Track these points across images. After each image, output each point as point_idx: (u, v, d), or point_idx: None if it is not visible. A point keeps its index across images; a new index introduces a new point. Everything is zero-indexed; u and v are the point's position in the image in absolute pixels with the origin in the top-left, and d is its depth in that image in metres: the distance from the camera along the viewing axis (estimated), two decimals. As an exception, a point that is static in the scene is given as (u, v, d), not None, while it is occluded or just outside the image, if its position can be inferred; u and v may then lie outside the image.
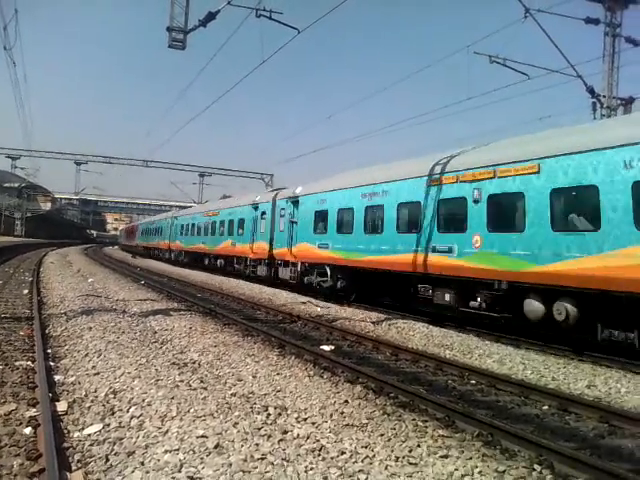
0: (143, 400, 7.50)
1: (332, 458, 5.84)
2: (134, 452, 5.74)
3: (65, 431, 6.38)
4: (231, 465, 5.47)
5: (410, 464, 5.80)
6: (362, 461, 5.80)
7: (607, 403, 8.82)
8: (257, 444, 6.11)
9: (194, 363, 10.04)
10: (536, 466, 5.96)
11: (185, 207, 66.85)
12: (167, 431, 6.37)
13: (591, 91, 22.46)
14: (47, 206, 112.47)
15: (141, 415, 6.91)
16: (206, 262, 40.44)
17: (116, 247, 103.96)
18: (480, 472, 5.69)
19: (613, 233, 11.13)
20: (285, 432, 6.56)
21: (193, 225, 44.62)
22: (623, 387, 9.74)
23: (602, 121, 19.61)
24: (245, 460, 5.63)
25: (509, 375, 10.42)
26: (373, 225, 19.42)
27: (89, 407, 7.23)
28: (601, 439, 7.25)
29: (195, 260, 43.63)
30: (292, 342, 12.46)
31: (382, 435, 6.66)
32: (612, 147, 11.42)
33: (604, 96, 23.14)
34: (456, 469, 5.71)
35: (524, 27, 20.07)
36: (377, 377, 9.51)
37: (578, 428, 7.66)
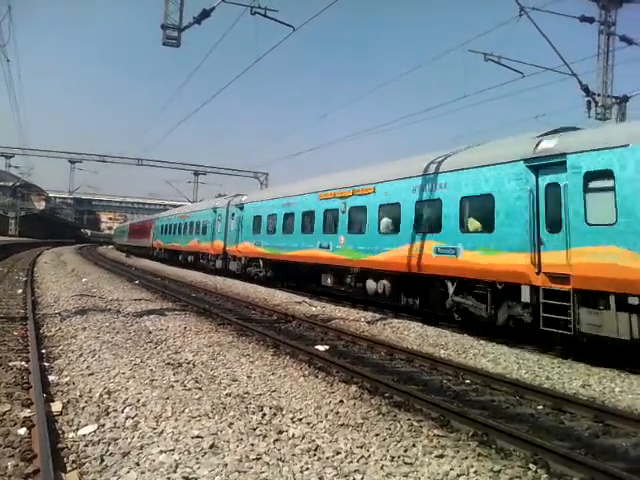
0: (138, 400, 7.49)
1: (327, 458, 5.85)
2: (129, 453, 5.73)
3: (60, 432, 6.38)
4: (226, 465, 5.48)
5: (405, 464, 5.81)
6: (357, 461, 5.81)
7: (601, 402, 8.84)
8: (252, 444, 6.11)
9: (189, 363, 10.02)
10: (531, 465, 5.99)
11: (179, 206, 65.02)
12: (162, 431, 6.37)
13: (586, 89, 22.54)
14: (41, 205, 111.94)
15: (136, 415, 6.90)
16: (326, 282, 22.32)
17: (110, 247, 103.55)
18: (475, 472, 5.70)
19: None
20: (280, 432, 6.56)
21: (288, 216, 24.99)
22: (617, 386, 9.77)
23: None
24: (240, 460, 5.64)
25: (504, 374, 10.43)
26: None
27: (84, 407, 7.22)
28: (596, 438, 7.28)
29: (299, 279, 26.15)
30: (287, 342, 12.44)
31: (377, 435, 6.66)
32: None
33: (599, 94, 23.23)
34: (451, 469, 5.72)
35: (519, 25, 20.08)
36: (372, 377, 9.52)
37: (573, 427, 7.68)
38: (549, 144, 12.86)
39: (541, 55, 24.72)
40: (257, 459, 5.69)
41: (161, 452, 5.74)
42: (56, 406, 7.22)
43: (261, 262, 28.27)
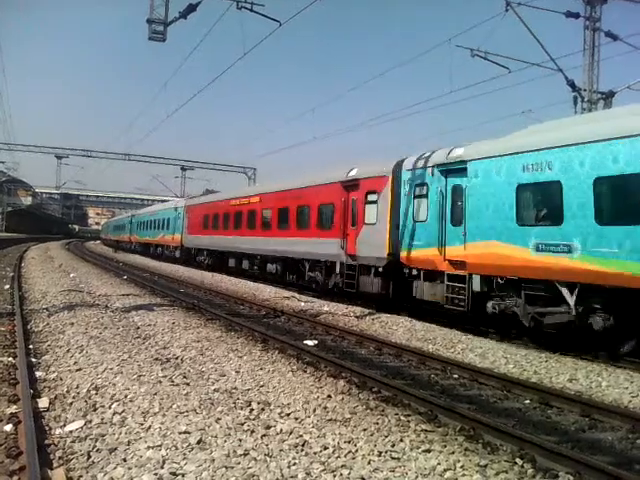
0: (125, 396, 7.47)
1: (315, 453, 5.85)
2: (116, 448, 5.71)
3: (46, 428, 6.35)
4: (214, 461, 5.47)
5: (393, 459, 5.82)
6: (345, 456, 5.81)
7: (588, 397, 8.89)
8: (240, 439, 6.10)
9: (177, 359, 10.00)
10: (518, 460, 6.01)
11: (168, 201, 62.95)
12: (149, 427, 6.36)
13: (572, 85, 22.62)
14: (28, 200, 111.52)
15: (123, 411, 6.88)
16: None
17: (98, 242, 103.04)
18: (462, 466, 5.72)
19: None
20: (268, 427, 6.56)
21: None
22: (604, 381, 9.82)
23: None
24: (228, 456, 5.63)
25: (491, 369, 10.48)
26: None
27: (71, 403, 7.19)
28: (582, 433, 7.32)
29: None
30: (275, 337, 12.44)
31: (365, 430, 6.67)
32: None
33: (585, 90, 23.31)
34: (439, 463, 5.73)
35: (505, 20, 20.12)
36: (360, 372, 9.53)
37: (560, 422, 7.72)
38: None
39: (528, 50, 24.79)
40: (245, 454, 5.69)
41: (148, 448, 5.72)
42: (43, 402, 7.19)
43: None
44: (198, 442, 5.93)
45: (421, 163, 16.61)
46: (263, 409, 7.27)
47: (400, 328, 14.65)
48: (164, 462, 5.39)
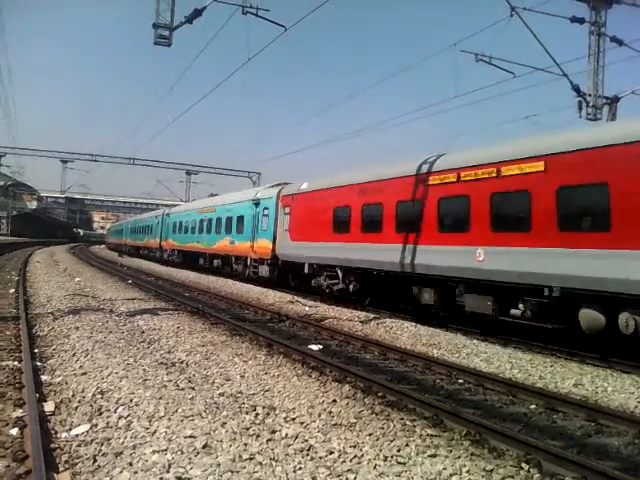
0: (131, 400, 7.47)
1: (320, 458, 5.84)
2: (122, 453, 5.71)
3: (52, 432, 6.34)
4: (220, 465, 5.47)
5: (398, 463, 5.81)
6: (350, 461, 5.80)
7: (594, 402, 8.87)
8: (245, 444, 6.10)
9: (182, 363, 10.00)
10: (524, 465, 5.99)
11: (173, 205, 62.53)
12: (155, 431, 6.36)
13: (577, 90, 22.62)
14: (33, 204, 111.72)
15: (129, 415, 6.88)
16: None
17: (103, 246, 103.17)
18: (468, 471, 5.70)
19: None
20: (273, 432, 6.56)
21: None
22: (610, 386, 9.80)
23: None
24: (233, 460, 5.63)
25: (497, 374, 10.45)
26: None
27: (76, 407, 7.19)
28: (588, 437, 7.30)
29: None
30: (280, 341, 12.43)
31: (370, 434, 6.66)
32: None
33: (590, 95, 23.30)
34: (444, 468, 5.72)
35: (510, 25, 20.08)
36: (365, 376, 9.51)
37: (565, 427, 7.70)
38: None
39: (532, 55, 24.79)
40: (250, 459, 5.69)
41: (154, 452, 5.73)
42: (49, 406, 7.19)
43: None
44: (204, 446, 5.93)
45: None
46: (268, 413, 7.26)
47: (405, 333, 14.63)
48: (170, 466, 5.40)
